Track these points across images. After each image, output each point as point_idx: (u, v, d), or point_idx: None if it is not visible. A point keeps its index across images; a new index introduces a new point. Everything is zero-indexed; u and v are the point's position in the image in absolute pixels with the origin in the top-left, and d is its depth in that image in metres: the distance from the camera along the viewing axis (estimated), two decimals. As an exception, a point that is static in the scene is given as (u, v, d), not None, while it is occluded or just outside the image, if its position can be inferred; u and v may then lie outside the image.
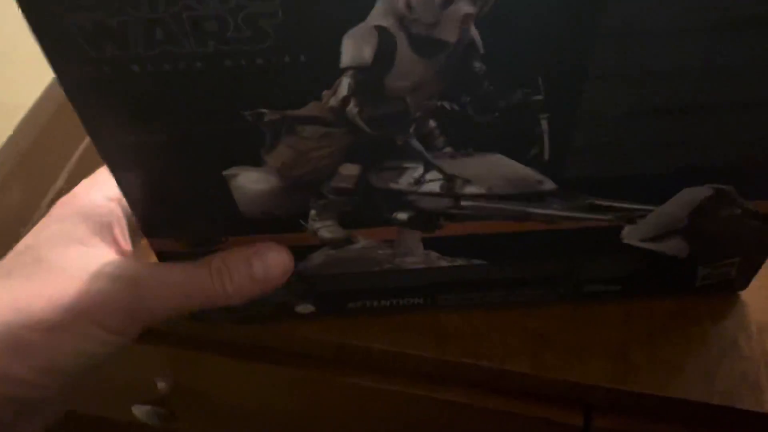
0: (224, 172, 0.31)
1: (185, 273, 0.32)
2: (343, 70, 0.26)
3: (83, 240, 0.32)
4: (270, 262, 0.33)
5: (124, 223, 0.35)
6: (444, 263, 0.37)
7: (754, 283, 0.40)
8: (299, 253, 0.35)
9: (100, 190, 0.34)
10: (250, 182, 0.31)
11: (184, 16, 0.24)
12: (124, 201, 0.33)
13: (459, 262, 0.37)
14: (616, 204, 0.34)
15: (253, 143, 0.29)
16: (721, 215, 0.35)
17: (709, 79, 0.28)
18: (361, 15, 0.25)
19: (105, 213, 0.33)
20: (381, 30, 0.25)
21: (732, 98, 0.28)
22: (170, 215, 0.33)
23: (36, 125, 0.38)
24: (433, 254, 0.36)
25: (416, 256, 0.36)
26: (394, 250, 0.36)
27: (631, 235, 0.36)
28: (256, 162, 0.30)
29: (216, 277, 0.33)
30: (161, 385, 0.50)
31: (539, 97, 0.28)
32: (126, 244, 0.34)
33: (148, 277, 0.32)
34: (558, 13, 0.25)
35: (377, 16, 0.25)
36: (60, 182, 0.44)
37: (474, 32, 0.25)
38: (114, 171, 0.30)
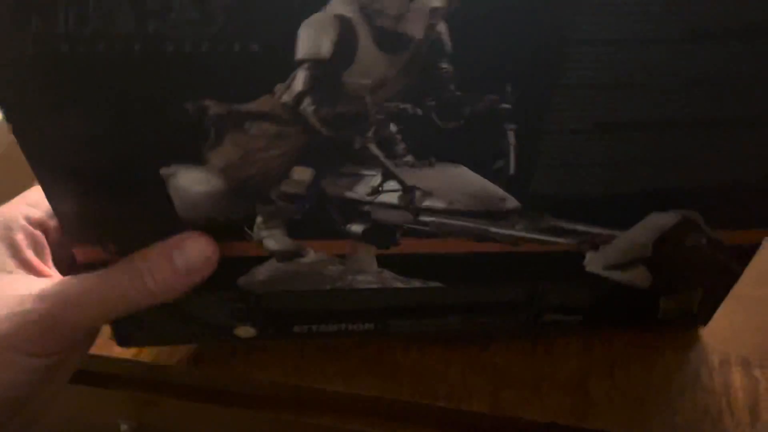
0: (162, 171, 0.28)
1: (100, 278, 0.30)
2: (299, 63, 0.24)
3: (6, 269, 0.30)
4: (190, 253, 0.30)
5: (44, 245, 0.32)
6: (399, 284, 0.35)
7: (716, 314, 0.38)
8: (243, 265, 0.33)
9: (21, 212, 0.32)
10: (190, 183, 0.28)
11: None
12: (50, 223, 0.32)
13: (415, 284, 0.35)
14: (579, 227, 0.32)
15: (195, 139, 0.27)
16: (687, 244, 0.33)
17: (677, 93, 0.26)
18: (321, 2, 0.23)
19: (22, 237, 0.31)
20: (342, 20, 0.23)
21: (698, 115, 0.27)
22: (99, 221, 0.30)
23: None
24: (388, 273, 0.34)
25: (370, 274, 0.34)
26: (346, 267, 0.33)
27: (593, 262, 0.34)
28: (197, 160, 0.27)
29: (135, 276, 0.30)
30: (124, 427, 0.48)
31: (507, 106, 0.26)
32: (44, 266, 0.32)
33: (59, 291, 0.29)
34: (531, 18, 0.23)
35: (338, 5, 0.23)
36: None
37: (442, 29, 0.23)
38: (38, 169, 0.27)
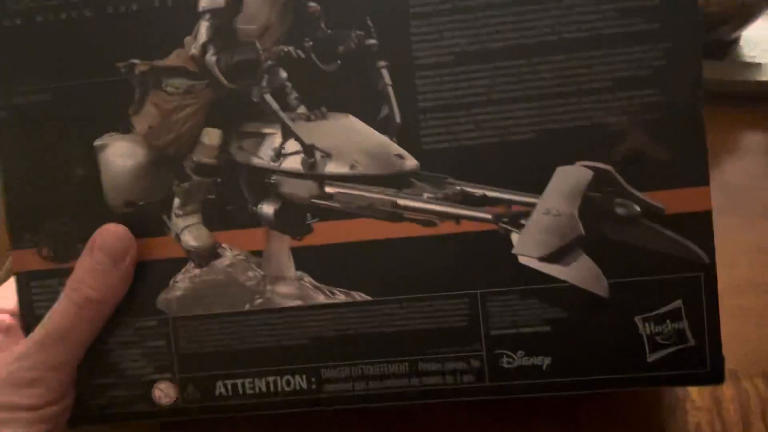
0: (95, 142, 0.32)
1: (50, 319, 0.31)
2: (202, 14, 0.31)
3: None
4: (104, 243, 0.31)
5: (18, 330, 0.34)
6: (321, 298, 0.32)
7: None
8: (162, 273, 0.32)
9: None
10: (118, 156, 0.32)
11: None
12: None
13: (338, 296, 0.31)
14: (489, 192, 0.30)
15: (124, 103, 0.32)
16: (619, 214, 0.30)
17: (529, 14, 0.29)
18: (214, -42, 0.31)
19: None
20: (230, -28, 0.31)
21: (564, 36, 0.29)
22: (38, 210, 0.32)
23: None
24: (307, 280, 0.32)
25: (288, 281, 0.32)
26: (264, 272, 0.32)
27: (523, 246, 0.30)
28: (125, 128, 0.32)
29: (74, 295, 0.31)
30: None
31: (373, 41, 0.30)
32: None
33: (23, 352, 0.31)
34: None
35: (226, -41, 0.31)
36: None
37: (305, -29, 0.30)
38: (1, 146, 0.32)
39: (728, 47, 0.52)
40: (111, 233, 0.31)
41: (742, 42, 0.52)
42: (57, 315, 0.31)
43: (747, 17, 0.50)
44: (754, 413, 0.34)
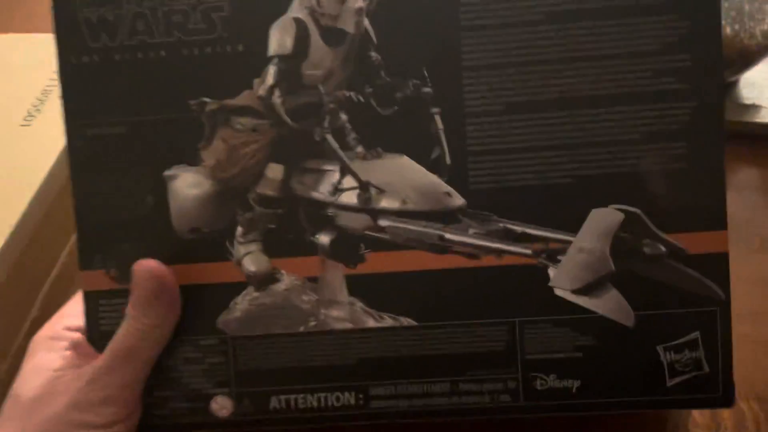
0: (165, 173, 0.34)
1: (117, 340, 0.33)
2: (270, 59, 0.33)
3: (52, 368, 0.34)
4: (138, 281, 0.33)
5: (85, 344, 0.36)
6: (371, 322, 0.34)
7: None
8: (223, 295, 0.34)
9: (63, 323, 0.36)
10: (186, 186, 0.34)
11: (159, 11, 0.33)
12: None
13: (387, 320, 0.34)
14: (530, 230, 0.33)
15: (194, 138, 0.34)
16: (646, 253, 0.33)
17: (570, 70, 0.32)
18: (284, 8, 0.33)
19: (69, 342, 0.35)
20: (298, 21, 0.33)
21: (596, 91, 0.32)
22: (109, 233, 0.34)
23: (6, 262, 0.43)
24: (359, 305, 0.34)
25: (341, 307, 0.34)
26: (318, 296, 0.34)
27: (558, 280, 0.33)
28: (194, 160, 0.34)
29: (133, 323, 0.33)
30: None
31: (428, 89, 0.33)
32: (90, 356, 0.35)
33: (96, 375, 0.33)
34: (428, 8, 0.32)
35: (295, 8, 0.33)
36: (35, 311, 0.44)
37: (367, 24, 0.33)
38: (75, 175, 0.34)
39: (729, 89, 0.55)
40: (144, 271, 0.33)
41: (742, 84, 0.55)
42: (122, 336, 0.33)
43: (748, 62, 0.54)
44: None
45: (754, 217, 0.53)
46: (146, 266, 0.33)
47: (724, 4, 0.52)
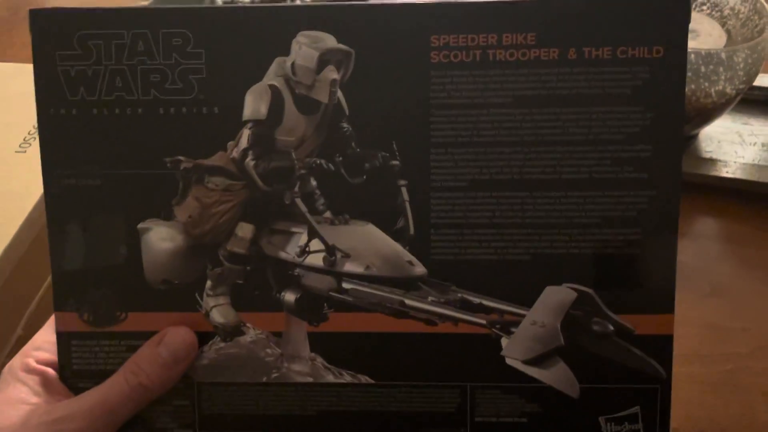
0: (139, 225, 0.33)
1: (102, 390, 0.32)
2: (244, 123, 0.32)
3: (24, 399, 0.32)
4: (172, 344, 0.33)
5: (55, 377, 0.35)
6: (330, 378, 0.33)
7: None
8: (191, 344, 0.33)
9: (34, 355, 0.35)
10: (158, 239, 0.33)
11: (138, 69, 0.32)
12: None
13: (345, 377, 0.33)
14: (486, 302, 0.32)
15: (168, 193, 0.32)
16: (595, 330, 0.32)
17: (533, 153, 0.31)
18: (260, 74, 0.31)
19: (40, 377, 0.34)
20: (273, 88, 0.32)
21: (559, 174, 0.31)
22: (82, 279, 0.33)
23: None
24: (319, 361, 0.33)
25: (303, 362, 0.33)
26: (282, 350, 0.33)
27: (510, 350, 0.32)
28: (167, 215, 0.33)
29: (131, 378, 0.32)
30: None
31: (396, 162, 0.32)
32: (60, 392, 0.34)
33: (70, 413, 0.31)
34: (400, 84, 0.31)
35: (271, 76, 0.31)
36: (19, 330, 0.43)
37: (341, 95, 0.31)
38: (51, 222, 0.33)
39: (689, 142, 0.54)
40: (180, 336, 0.32)
41: (701, 138, 0.55)
42: (109, 389, 0.32)
43: (707, 118, 0.53)
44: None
45: (707, 265, 0.52)
46: (183, 333, 0.32)
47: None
